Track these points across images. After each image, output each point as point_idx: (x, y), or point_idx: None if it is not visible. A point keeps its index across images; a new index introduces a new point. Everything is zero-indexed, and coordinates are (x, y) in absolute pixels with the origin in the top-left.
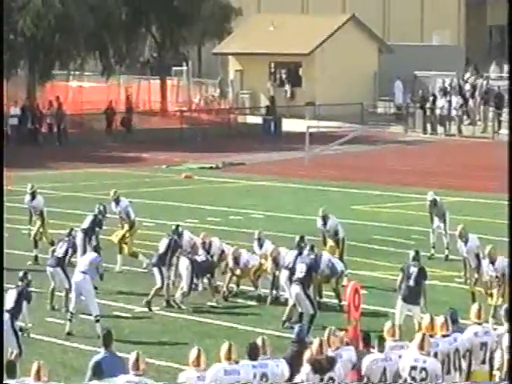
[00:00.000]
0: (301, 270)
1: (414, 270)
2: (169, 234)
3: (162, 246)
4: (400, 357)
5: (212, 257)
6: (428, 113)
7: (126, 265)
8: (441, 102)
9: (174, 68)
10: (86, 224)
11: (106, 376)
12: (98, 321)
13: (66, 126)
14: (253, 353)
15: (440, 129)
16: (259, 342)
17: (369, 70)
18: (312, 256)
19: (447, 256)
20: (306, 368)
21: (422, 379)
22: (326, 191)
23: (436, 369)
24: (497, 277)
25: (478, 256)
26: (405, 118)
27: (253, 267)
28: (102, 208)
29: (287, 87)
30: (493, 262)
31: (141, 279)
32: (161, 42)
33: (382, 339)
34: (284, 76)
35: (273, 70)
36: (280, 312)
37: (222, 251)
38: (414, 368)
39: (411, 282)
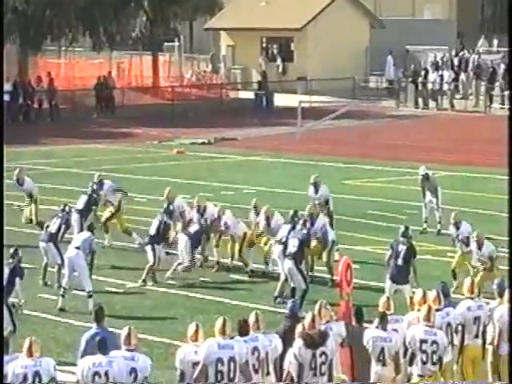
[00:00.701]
0: (293, 245)
1: (402, 248)
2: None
3: (153, 227)
4: (396, 331)
5: (206, 220)
6: (420, 87)
7: (117, 240)
8: (432, 76)
9: (166, 44)
10: (80, 205)
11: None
12: (90, 296)
13: (58, 101)
14: (243, 329)
15: (432, 103)
16: (252, 317)
17: (360, 44)
18: (304, 231)
19: (439, 230)
20: (298, 342)
21: (433, 352)
22: (318, 166)
23: (445, 341)
24: (483, 262)
25: (467, 241)
26: (396, 92)
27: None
28: (95, 186)
29: (279, 62)
30: (480, 247)
31: (133, 255)
32: (152, 17)
33: (384, 316)
34: (276, 51)
35: (264, 45)
36: (272, 287)
37: (216, 218)
38: (424, 341)
39: (399, 261)
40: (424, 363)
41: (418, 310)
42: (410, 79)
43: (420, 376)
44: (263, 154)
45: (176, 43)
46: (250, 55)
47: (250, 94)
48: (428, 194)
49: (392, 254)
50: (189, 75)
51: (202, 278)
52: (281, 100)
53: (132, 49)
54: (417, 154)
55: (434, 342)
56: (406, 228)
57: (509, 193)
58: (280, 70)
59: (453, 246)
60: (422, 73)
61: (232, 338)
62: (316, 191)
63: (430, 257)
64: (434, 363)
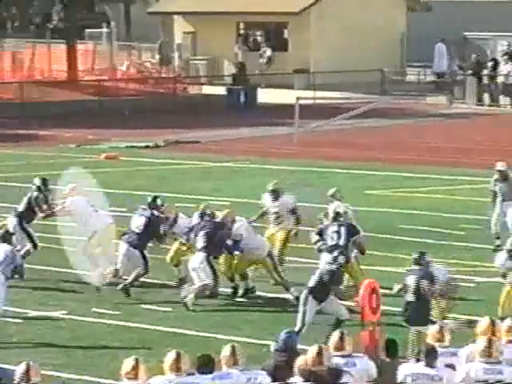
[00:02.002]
0: None
1: (411, 282)
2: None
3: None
4: (451, 367)
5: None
6: (486, 81)
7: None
8: (505, 68)
9: (88, 30)
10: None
11: None
12: None
13: None
14: (204, 367)
15: (504, 99)
16: (227, 350)
17: (393, 31)
18: None
19: None
20: (296, 381)
21: None
22: (326, 173)
23: None
24: None
25: None
26: (450, 86)
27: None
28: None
29: (267, 52)
30: None
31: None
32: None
33: (431, 350)
34: (260, 39)
35: (242, 31)
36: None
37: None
38: (484, 382)
39: (410, 297)
40: None
41: None
42: (470, 71)
43: None
44: (243, 160)
45: (104, 29)
46: (220, 44)
47: (218, 90)
48: (498, 202)
49: (402, 288)
50: (124, 67)
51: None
52: (268, 96)
53: (35, 36)
54: (473, 158)
55: (499, 382)
56: (421, 254)
57: None
58: (265, 60)
59: None
60: (489, 64)
61: (191, 374)
62: (273, 200)
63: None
64: None
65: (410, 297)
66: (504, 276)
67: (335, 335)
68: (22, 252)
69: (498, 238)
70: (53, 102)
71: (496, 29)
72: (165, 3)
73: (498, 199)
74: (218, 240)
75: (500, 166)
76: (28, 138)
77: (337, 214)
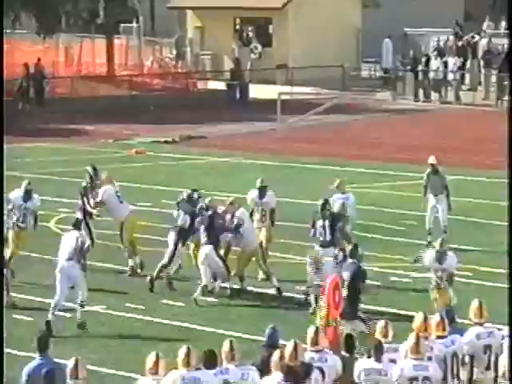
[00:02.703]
0: None
1: (346, 275)
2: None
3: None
4: (394, 361)
5: None
6: (420, 76)
7: None
8: (435, 63)
9: (123, 25)
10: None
11: None
12: None
13: None
14: (209, 362)
15: (434, 95)
16: (226, 345)
17: (351, 27)
18: None
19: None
20: (276, 376)
21: None
22: (302, 168)
23: (439, 374)
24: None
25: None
26: (393, 82)
27: None
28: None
29: (257, 47)
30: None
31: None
32: None
33: (379, 346)
34: (251, 34)
35: (238, 27)
36: (248, 311)
37: None
38: (414, 379)
39: (344, 292)
40: None
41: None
42: (409, 67)
43: None
44: (237, 155)
45: (135, 24)
46: (222, 39)
47: (221, 85)
48: (431, 196)
49: None
50: (149, 62)
51: (165, 300)
52: (257, 91)
53: (83, 31)
54: (416, 154)
55: (426, 378)
56: (355, 246)
57: (508, 196)
58: (256, 56)
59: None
60: (423, 60)
61: (198, 369)
62: (261, 197)
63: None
64: None
65: (344, 292)
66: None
67: (311, 330)
68: None
69: (430, 234)
70: (96, 97)
71: (437, 25)
72: None
73: (431, 194)
74: (218, 230)
75: (431, 159)
76: (76, 132)
77: (323, 206)
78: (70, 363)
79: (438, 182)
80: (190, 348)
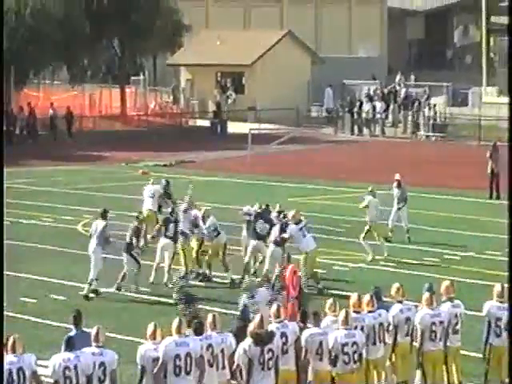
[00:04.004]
0: None
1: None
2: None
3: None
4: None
5: None
6: (355, 116)
7: None
8: (366, 106)
9: (133, 77)
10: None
11: (77, 349)
12: None
13: (37, 128)
14: (198, 329)
15: (366, 130)
16: (210, 318)
17: (303, 79)
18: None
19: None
20: (248, 340)
21: (355, 352)
22: (266, 185)
23: (363, 339)
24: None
25: None
26: (335, 120)
27: None
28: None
29: (232, 94)
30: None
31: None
32: (121, 53)
33: (316, 315)
34: (229, 84)
35: (219, 78)
36: (227, 292)
37: None
38: (345, 344)
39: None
40: (346, 363)
41: (355, 312)
42: (347, 109)
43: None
44: (218, 175)
45: (141, 77)
46: (207, 88)
47: (206, 122)
48: (395, 203)
49: None
50: (153, 105)
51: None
52: (234, 127)
53: (102, 82)
54: (354, 175)
55: (355, 343)
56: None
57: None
58: (232, 100)
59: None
60: (357, 103)
61: (187, 336)
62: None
63: (364, 265)
64: (355, 361)
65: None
66: None
67: (274, 307)
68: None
69: (392, 231)
70: (112, 131)
71: (367, 77)
72: (177, 57)
73: (395, 202)
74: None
75: (397, 176)
76: (98, 157)
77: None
78: (93, 330)
79: (400, 193)
80: (182, 320)
